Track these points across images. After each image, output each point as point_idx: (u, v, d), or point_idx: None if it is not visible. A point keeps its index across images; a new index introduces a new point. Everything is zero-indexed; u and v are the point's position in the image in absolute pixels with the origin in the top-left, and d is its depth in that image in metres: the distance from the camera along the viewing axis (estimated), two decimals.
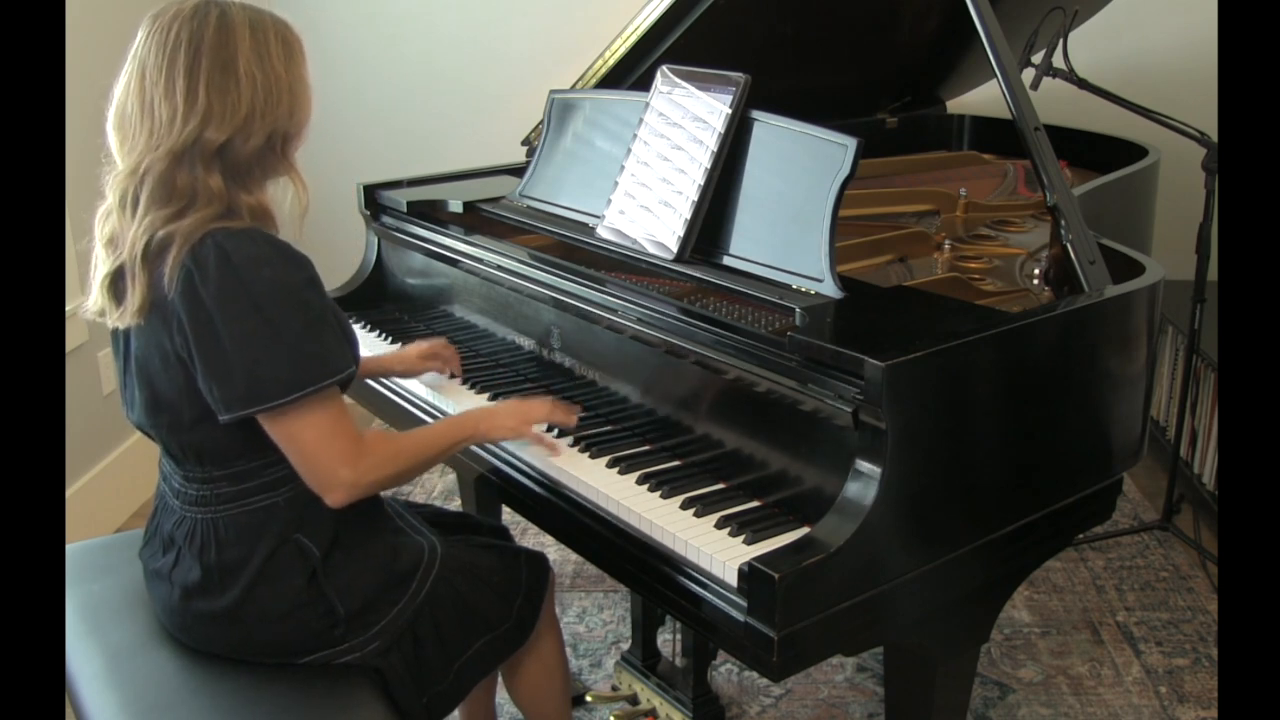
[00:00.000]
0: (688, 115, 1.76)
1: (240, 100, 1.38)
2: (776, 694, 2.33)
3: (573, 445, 1.67)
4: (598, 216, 1.86)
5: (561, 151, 2.06)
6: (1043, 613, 2.65)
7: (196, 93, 1.36)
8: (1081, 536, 2.83)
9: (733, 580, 1.32)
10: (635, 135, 1.83)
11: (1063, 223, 1.67)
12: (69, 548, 1.73)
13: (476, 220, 2.13)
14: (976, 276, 1.91)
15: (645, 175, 1.79)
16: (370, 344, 2.13)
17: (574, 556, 2.71)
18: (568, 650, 2.11)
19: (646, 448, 1.66)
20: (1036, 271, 1.93)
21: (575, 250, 1.89)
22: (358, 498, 1.43)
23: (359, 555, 1.50)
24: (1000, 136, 2.92)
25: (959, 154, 2.95)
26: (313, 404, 1.37)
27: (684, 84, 1.79)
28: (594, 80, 2.30)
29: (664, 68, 1.84)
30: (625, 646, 2.31)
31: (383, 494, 1.56)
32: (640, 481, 1.55)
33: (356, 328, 2.21)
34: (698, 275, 1.68)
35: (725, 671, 2.39)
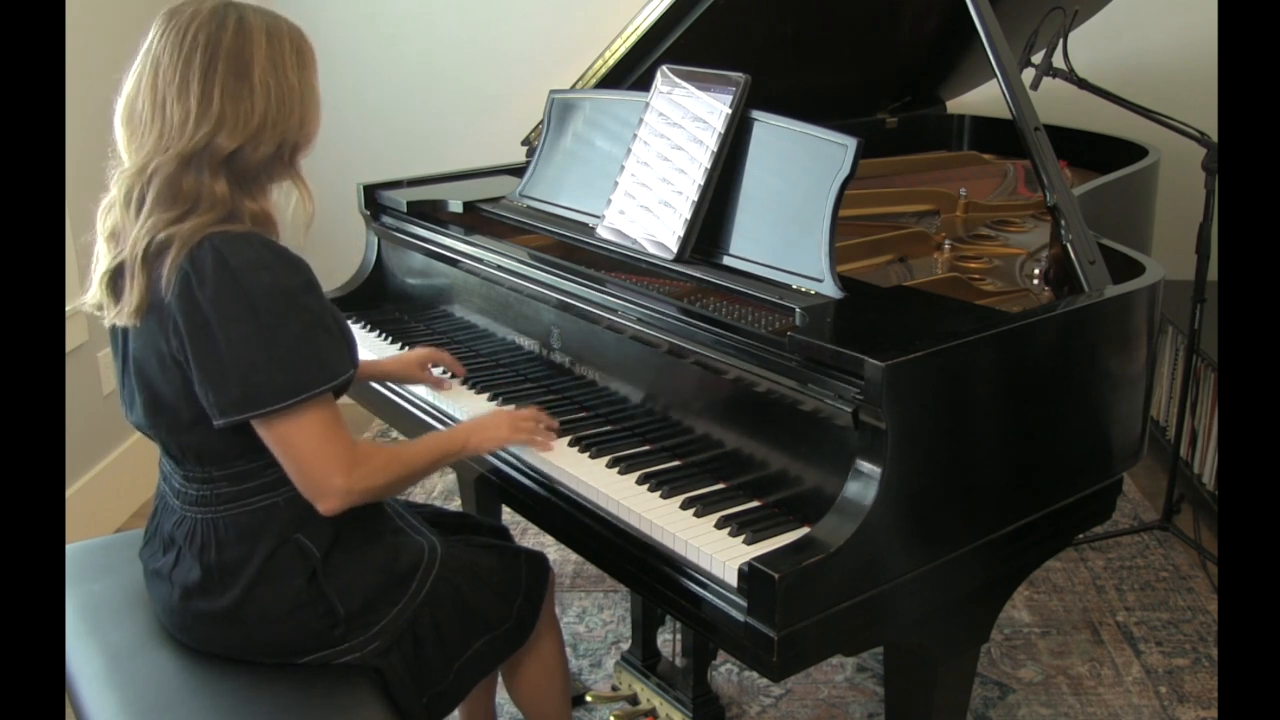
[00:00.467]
0: (688, 115, 1.76)
1: (253, 109, 1.37)
2: (776, 694, 2.33)
3: (573, 445, 1.67)
4: (598, 216, 1.86)
5: (561, 151, 2.06)
6: (1043, 613, 2.65)
7: (211, 98, 1.36)
8: (1081, 536, 2.83)
9: (733, 580, 1.32)
10: (635, 135, 1.83)
11: (1063, 223, 1.67)
12: (69, 548, 1.73)
13: (476, 220, 2.13)
14: (976, 276, 1.91)
15: (645, 175, 1.79)
16: (370, 344, 2.13)
17: (574, 556, 2.71)
18: (568, 650, 2.11)
19: (646, 448, 1.66)
20: (1036, 271, 1.93)
21: (575, 250, 1.89)
22: (351, 505, 1.42)
23: (359, 555, 1.50)
24: (1000, 136, 2.92)
25: (959, 154, 2.95)
26: (307, 410, 1.37)
27: (684, 84, 1.79)
28: (594, 80, 2.30)
29: (664, 68, 1.84)
30: (625, 646, 2.31)
31: None
32: (640, 481, 1.55)
33: (356, 328, 2.21)
34: (698, 275, 1.68)
35: (725, 671, 2.39)
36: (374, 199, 2.28)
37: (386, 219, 2.27)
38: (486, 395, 1.87)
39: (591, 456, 1.63)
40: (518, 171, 2.24)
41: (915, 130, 3.00)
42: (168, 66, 1.37)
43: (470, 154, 2.78)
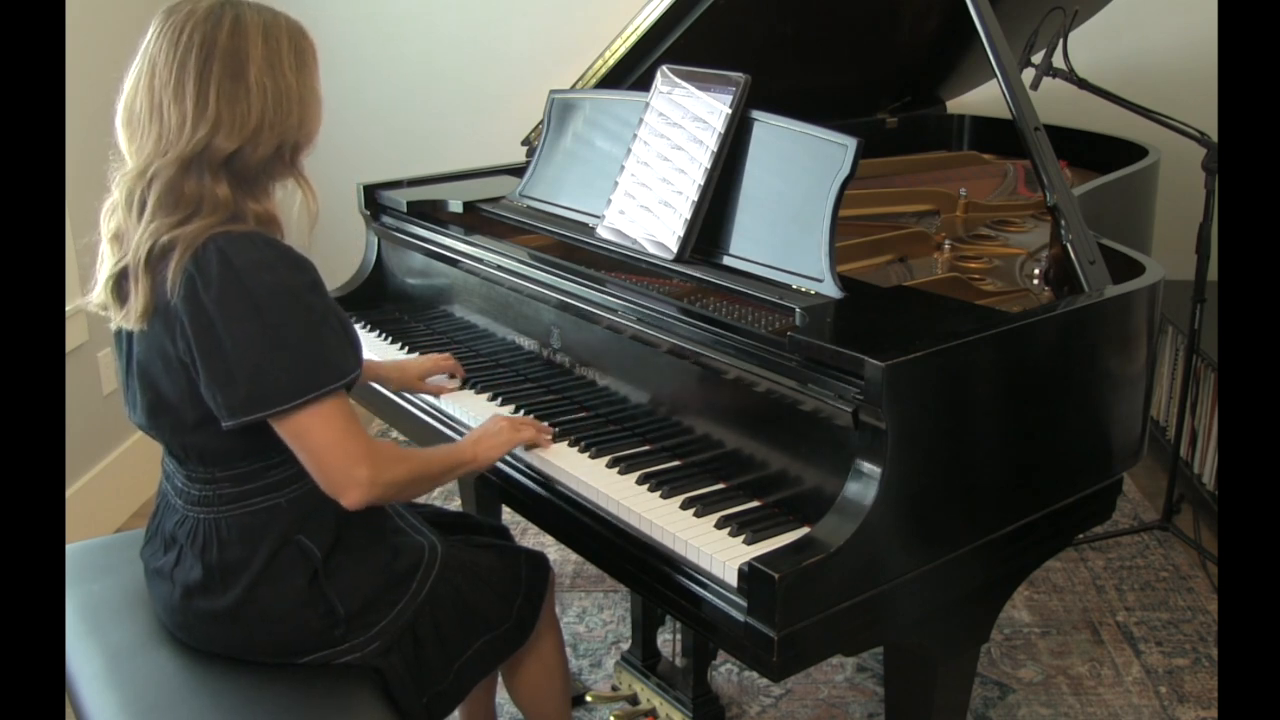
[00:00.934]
0: (688, 115, 1.76)
1: (250, 110, 1.37)
2: (776, 694, 2.33)
3: (573, 445, 1.67)
4: (598, 216, 1.86)
5: (561, 151, 2.06)
6: (1043, 613, 2.65)
7: (207, 99, 1.35)
8: (1081, 536, 2.83)
9: (733, 580, 1.32)
10: (635, 135, 1.83)
11: (1063, 223, 1.67)
12: (69, 548, 1.73)
13: (476, 220, 2.13)
14: (976, 276, 1.91)
15: (645, 175, 1.79)
16: (370, 344, 2.13)
17: (574, 556, 2.71)
18: (568, 650, 2.11)
19: (646, 448, 1.66)
20: (1036, 271, 1.93)
21: (575, 250, 1.89)
22: (374, 499, 1.41)
23: (360, 556, 1.50)
24: (1000, 136, 2.92)
25: (959, 154, 2.95)
26: (320, 407, 1.36)
27: (684, 84, 1.79)
28: (594, 80, 2.30)
29: (664, 68, 1.84)
30: (625, 646, 2.31)
31: None
32: (640, 481, 1.55)
33: (356, 328, 2.20)
34: (698, 275, 1.68)
35: (725, 671, 2.39)
36: (374, 199, 2.28)
37: (386, 219, 2.27)
38: (487, 395, 1.87)
39: (591, 456, 1.63)
40: (518, 171, 2.24)
41: (915, 130, 3.00)
42: (163, 67, 1.36)
43: (470, 154, 2.78)
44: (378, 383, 1.95)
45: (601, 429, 1.72)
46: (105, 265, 1.43)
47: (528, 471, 1.68)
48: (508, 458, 1.71)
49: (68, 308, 2.76)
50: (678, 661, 2.13)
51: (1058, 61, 2.58)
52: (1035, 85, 2.49)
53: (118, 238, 1.41)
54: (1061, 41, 2.55)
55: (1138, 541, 2.98)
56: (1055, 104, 2.49)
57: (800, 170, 1.62)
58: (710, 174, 1.69)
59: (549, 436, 1.67)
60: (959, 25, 2.05)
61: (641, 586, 1.52)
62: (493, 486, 1.76)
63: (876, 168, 2.57)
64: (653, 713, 2.10)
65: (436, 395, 1.90)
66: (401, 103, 3.78)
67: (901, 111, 2.99)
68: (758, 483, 1.50)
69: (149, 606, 1.58)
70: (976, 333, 1.42)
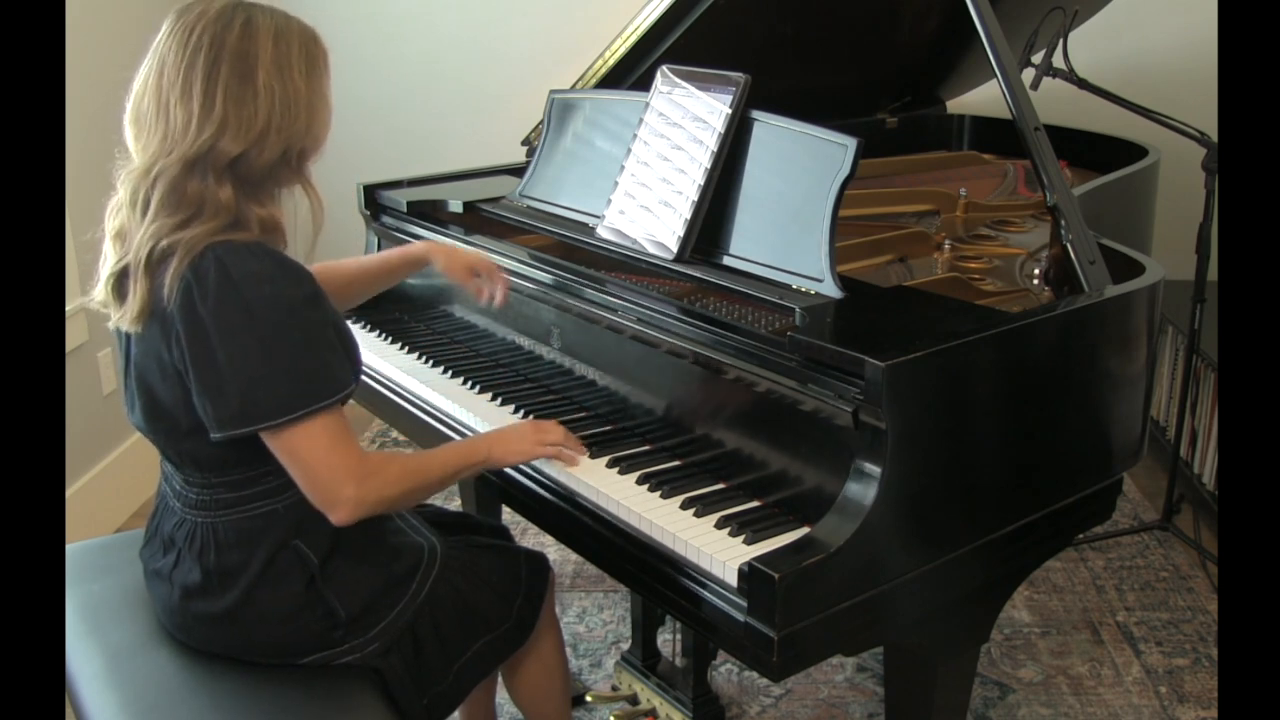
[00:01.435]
0: (688, 115, 1.76)
1: (257, 113, 1.36)
2: (776, 694, 2.33)
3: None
4: (598, 216, 1.86)
5: (561, 151, 2.06)
6: (1043, 613, 2.65)
7: (214, 100, 1.34)
8: (1081, 536, 2.83)
9: (733, 580, 1.32)
10: (635, 135, 1.83)
11: (1063, 223, 1.67)
12: (69, 548, 1.73)
13: (476, 220, 2.13)
14: (976, 276, 1.91)
15: (645, 175, 1.79)
16: (370, 344, 2.13)
17: (574, 556, 2.71)
18: (568, 650, 2.11)
19: (646, 448, 1.66)
20: (1036, 271, 1.93)
21: (575, 250, 1.89)
22: (363, 516, 1.40)
23: (359, 559, 1.49)
24: (1000, 136, 2.92)
25: (959, 154, 2.95)
26: (310, 424, 1.35)
27: (684, 84, 1.79)
28: (594, 80, 2.30)
29: (664, 68, 1.84)
30: (625, 646, 2.31)
31: None
32: (640, 481, 1.55)
33: (356, 328, 2.21)
34: (698, 275, 1.68)
35: (725, 671, 2.39)
36: (374, 199, 2.28)
37: (386, 219, 2.27)
38: (487, 395, 1.87)
39: (591, 456, 1.63)
40: (518, 171, 2.24)
41: (915, 130, 3.00)
42: (172, 66, 1.36)
43: (470, 154, 2.78)
44: (415, 268, 1.90)
45: (601, 429, 1.72)
46: (108, 263, 1.42)
47: (528, 472, 1.68)
48: None
49: (68, 307, 2.76)
50: (678, 661, 2.13)
51: (1058, 61, 2.58)
52: (1035, 85, 2.49)
53: (120, 235, 1.40)
54: (1061, 41, 2.55)
55: (1138, 541, 2.98)
56: (1055, 104, 2.49)
57: (800, 170, 1.62)
58: (710, 174, 1.69)
59: (584, 452, 1.62)
60: (959, 25, 2.05)
61: (641, 586, 1.52)
62: (493, 486, 1.76)
63: (876, 168, 2.57)
64: (653, 713, 2.10)
65: (478, 295, 1.87)
66: (401, 103, 3.78)
67: (901, 111, 2.99)
68: (758, 483, 1.50)
69: (149, 606, 1.58)
70: (976, 333, 1.42)
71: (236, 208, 1.37)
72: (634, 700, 2.15)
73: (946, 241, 2.04)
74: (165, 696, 1.44)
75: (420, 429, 1.94)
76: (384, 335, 2.17)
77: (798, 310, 1.49)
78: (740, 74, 1.71)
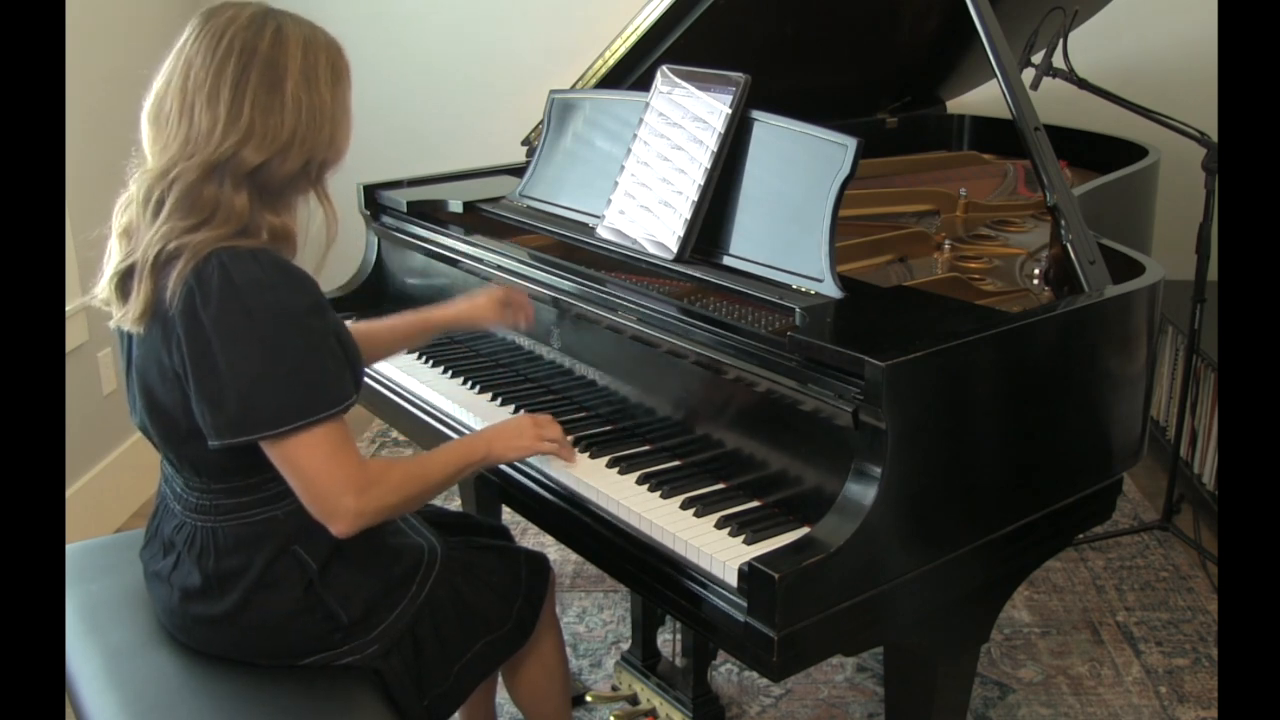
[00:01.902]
0: (688, 115, 1.76)
1: (283, 124, 1.36)
2: (776, 694, 2.33)
3: (573, 446, 1.67)
4: (598, 216, 1.86)
5: (561, 151, 2.06)
6: (1043, 613, 2.65)
7: (241, 108, 1.34)
8: (1081, 536, 2.83)
9: (733, 580, 1.32)
10: (635, 135, 1.83)
11: (1063, 223, 1.67)
12: (69, 548, 1.73)
13: (476, 220, 2.12)
14: (976, 276, 1.91)
15: (645, 175, 1.79)
16: None
17: (574, 556, 2.71)
18: (568, 650, 2.11)
19: (646, 448, 1.66)
20: (1036, 271, 1.93)
21: (575, 250, 1.89)
22: (364, 527, 1.39)
23: (359, 563, 1.49)
24: (1000, 136, 2.92)
25: (959, 154, 2.95)
26: (309, 435, 1.33)
27: (684, 84, 1.79)
28: (594, 80, 2.30)
29: (664, 68, 1.84)
30: (625, 646, 2.31)
31: None
32: (640, 481, 1.55)
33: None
34: (698, 275, 1.68)
35: (725, 671, 2.39)
36: (374, 199, 2.28)
37: (386, 219, 2.27)
38: (488, 395, 1.87)
39: (591, 456, 1.63)
40: (518, 171, 2.23)
41: (915, 130, 3.00)
42: (200, 69, 1.35)
43: (470, 154, 2.78)
44: (449, 330, 1.87)
45: (601, 429, 1.72)
46: (113, 259, 1.41)
47: (528, 472, 1.68)
48: None
49: (68, 308, 2.76)
50: (678, 661, 2.13)
51: (1058, 61, 2.58)
52: (1035, 85, 2.49)
53: (127, 232, 1.39)
54: (1061, 41, 2.55)
55: (1138, 541, 2.98)
56: (1055, 104, 2.49)
57: (800, 170, 1.62)
58: (710, 174, 1.69)
59: (571, 454, 1.61)
60: (959, 25, 2.05)
61: (641, 586, 1.52)
62: (493, 486, 1.76)
63: (876, 168, 2.57)
64: (653, 713, 2.10)
65: (514, 325, 1.85)
66: (401, 103, 3.77)
67: (901, 111, 2.99)
68: (758, 483, 1.50)
69: (149, 607, 1.58)
70: (976, 333, 1.42)
71: (249, 216, 1.36)
72: (634, 700, 2.15)
73: (946, 241, 2.04)
74: (165, 696, 1.44)
75: (420, 429, 1.94)
76: None
77: (798, 310, 1.49)
78: (740, 74, 1.71)
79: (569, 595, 2.70)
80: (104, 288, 1.42)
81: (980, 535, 1.47)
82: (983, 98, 3.04)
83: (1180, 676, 2.40)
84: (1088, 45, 2.80)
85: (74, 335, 2.86)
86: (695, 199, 1.70)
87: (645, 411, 1.68)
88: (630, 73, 2.28)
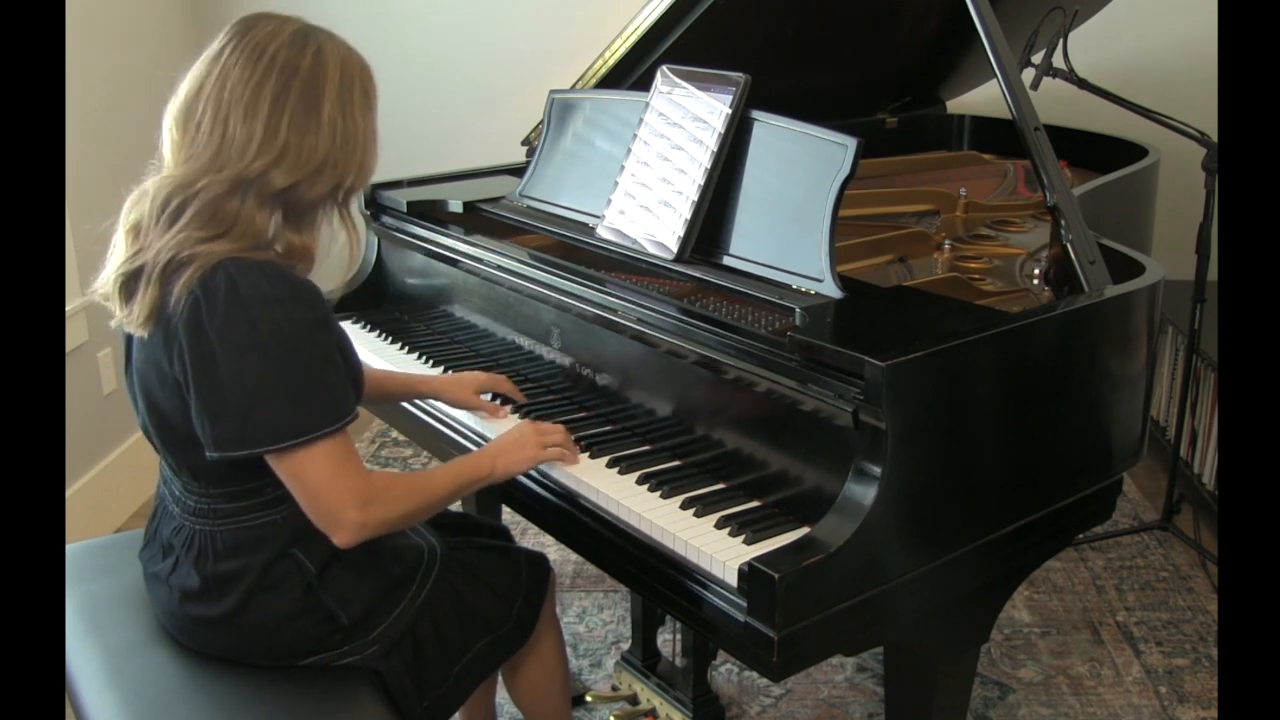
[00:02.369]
0: (688, 115, 1.76)
1: (317, 146, 1.35)
2: (776, 694, 2.33)
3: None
4: (598, 216, 1.86)
5: (561, 151, 2.06)
6: (1043, 613, 2.65)
7: (278, 126, 1.33)
8: (1081, 536, 2.83)
9: (733, 580, 1.32)
10: (635, 135, 1.83)
11: (1063, 223, 1.67)
12: (69, 548, 1.73)
13: (476, 220, 2.12)
14: (976, 276, 1.91)
15: (645, 175, 1.79)
16: (370, 344, 2.13)
17: (574, 556, 2.71)
18: (568, 650, 2.11)
19: (646, 448, 1.66)
20: (1036, 271, 1.93)
21: (575, 250, 1.89)
22: (366, 538, 1.39)
23: (358, 565, 1.48)
24: (1000, 136, 2.92)
25: (959, 154, 2.95)
26: (312, 449, 1.33)
27: (684, 84, 1.79)
28: (594, 80, 2.30)
29: (664, 68, 1.84)
30: (625, 646, 2.31)
31: None
32: (640, 481, 1.55)
33: (356, 328, 2.21)
34: (698, 275, 1.68)
35: (725, 671, 2.39)
36: (374, 199, 2.28)
37: (387, 219, 2.27)
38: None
39: (591, 456, 1.63)
40: (518, 171, 2.24)
41: (915, 130, 3.00)
42: (238, 81, 1.34)
43: (470, 154, 2.78)
44: (429, 396, 1.84)
45: (601, 429, 1.72)
46: (117, 255, 1.40)
47: (528, 472, 1.68)
48: None
49: (68, 307, 2.76)
50: (678, 661, 2.13)
51: (1058, 61, 2.58)
52: (1035, 85, 2.49)
53: (135, 230, 1.38)
54: (1061, 41, 2.55)
55: (1138, 541, 2.98)
56: (1055, 104, 2.49)
57: (800, 170, 1.62)
58: (710, 174, 1.69)
59: (575, 454, 1.62)
60: (959, 25, 2.05)
61: (641, 586, 1.52)
62: (493, 486, 1.76)
63: (876, 168, 2.57)
64: (653, 713, 2.10)
65: (491, 415, 1.80)
66: (402, 102, 3.77)
67: (901, 111, 2.99)
68: (758, 483, 1.50)
69: (149, 607, 1.58)
70: (976, 333, 1.42)
71: (267, 233, 1.36)
72: (634, 700, 2.15)
73: (946, 241, 2.04)
74: (165, 697, 1.44)
75: (420, 429, 1.94)
76: (384, 335, 2.17)
77: (798, 310, 1.49)
78: (740, 74, 1.71)
79: (569, 595, 2.70)
80: (106, 283, 1.41)
81: (980, 535, 1.47)
82: (983, 98, 3.04)
83: (1180, 676, 2.40)
84: (1088, 45, 2.80)
85: (74, 335, 2.86)
86: (695, 199, 1.70)
87: (645, 411, 1.68)
88: (630, 73, 2.28)
